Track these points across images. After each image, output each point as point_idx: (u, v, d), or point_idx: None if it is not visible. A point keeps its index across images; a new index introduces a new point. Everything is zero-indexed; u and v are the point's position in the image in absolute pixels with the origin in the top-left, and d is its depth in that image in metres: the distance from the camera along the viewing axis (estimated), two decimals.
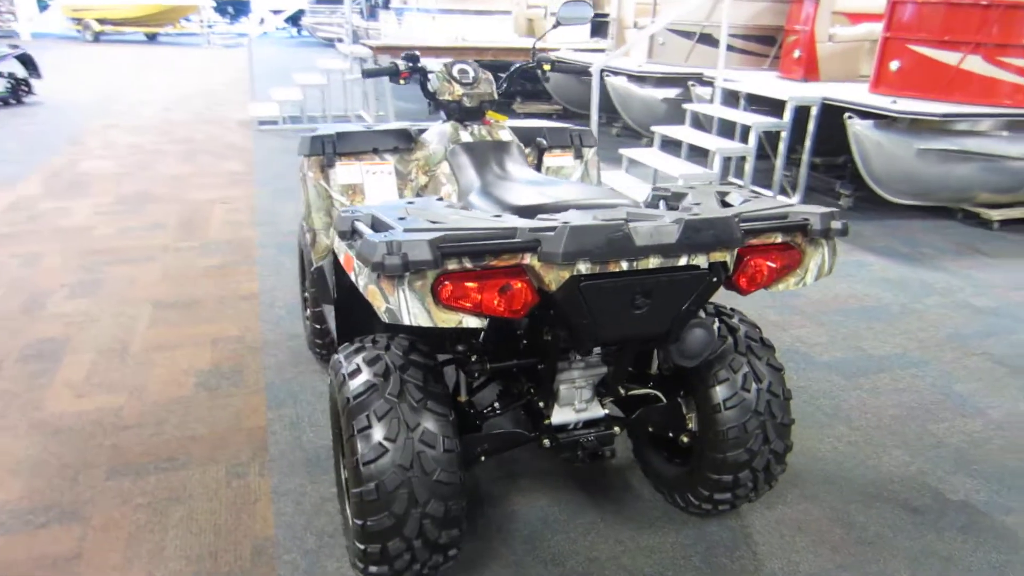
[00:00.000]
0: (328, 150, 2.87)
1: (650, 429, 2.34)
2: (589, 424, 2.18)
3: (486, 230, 1.60)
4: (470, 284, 1.59)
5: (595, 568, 2.21)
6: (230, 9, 31.36)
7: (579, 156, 3.10)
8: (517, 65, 3.04)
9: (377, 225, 1.72)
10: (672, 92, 7.74)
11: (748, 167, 6.08)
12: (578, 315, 1.68)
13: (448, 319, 1.58)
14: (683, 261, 1.70)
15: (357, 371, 1.90)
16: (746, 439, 2.14)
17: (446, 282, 1.57)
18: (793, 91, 6.03)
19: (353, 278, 1.70)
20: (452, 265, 1.56)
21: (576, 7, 2.90)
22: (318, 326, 3.14)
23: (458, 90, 2.77)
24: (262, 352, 3.48)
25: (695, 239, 1.68)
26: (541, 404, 2.14)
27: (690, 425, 2.28)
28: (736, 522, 2.42)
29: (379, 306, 1.57)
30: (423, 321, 1.55)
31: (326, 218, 2.89)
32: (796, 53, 6.85)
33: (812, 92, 6.00)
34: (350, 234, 1.80)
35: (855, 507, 2.52)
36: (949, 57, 5.54)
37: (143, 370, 3.29)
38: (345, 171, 2.90)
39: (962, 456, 2.84)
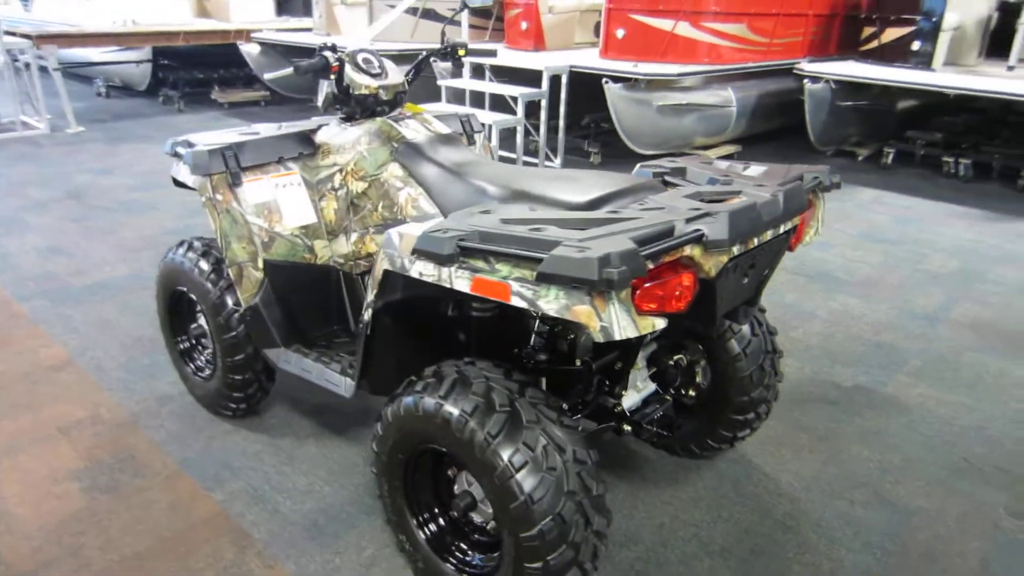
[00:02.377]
0: (232, 165, 2.41)
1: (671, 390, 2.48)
2: (647, 402, 2.25)
3: (651, 229, 1.56)
4: (652, 285, 1.54)
5: (667, 533, 2.32)
6: None
7: (471, 141, 3.03)
8: (425, 51, 2.83)
9: (493, 241, 1.58)
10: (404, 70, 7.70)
11: (519, 137, 6.39)
12: (720, 294, 1.73)
13: (646, 325, 1.52)
14: (783, 229, 1.84)
15: (478, 407, 1.71)
16: (763, 376, 2.41)
17: (637, 289, 1.51)
18: (545, 61, 6.45)
19: (521, 302, 1.53)
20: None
21: None
22: (237, 377, 2.64)
23: (372, 83, 2.52)
24: (140, 428, 2.81)
25: (791, 208, 1.83)
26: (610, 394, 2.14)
27: (698, 379, 2.47)
28: (735, 455, 2.70)
29: (593, 326, 1.45)
30: (631, 332, 1.47)
31: (250, 247, 2.44)
32: (523, 25, 7.29)
33: (559, 61, 6.49)
34: (455, 257, 1.63)
35: (799, 414, 2.97)
36: (664, 24, 6.42)
37: None
38: (255, 188, 2.48)
39: (826, 352, 3.49)
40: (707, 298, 1.72)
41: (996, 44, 7.46)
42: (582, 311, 1.45)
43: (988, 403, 3.09)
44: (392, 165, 2.44)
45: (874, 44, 7.20)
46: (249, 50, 8.89)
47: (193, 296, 2.68)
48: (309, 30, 9.03)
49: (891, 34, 7.00)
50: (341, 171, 2.52)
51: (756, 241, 1.74)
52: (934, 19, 6.67)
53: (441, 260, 1.66)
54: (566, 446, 1.71)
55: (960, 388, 3.20)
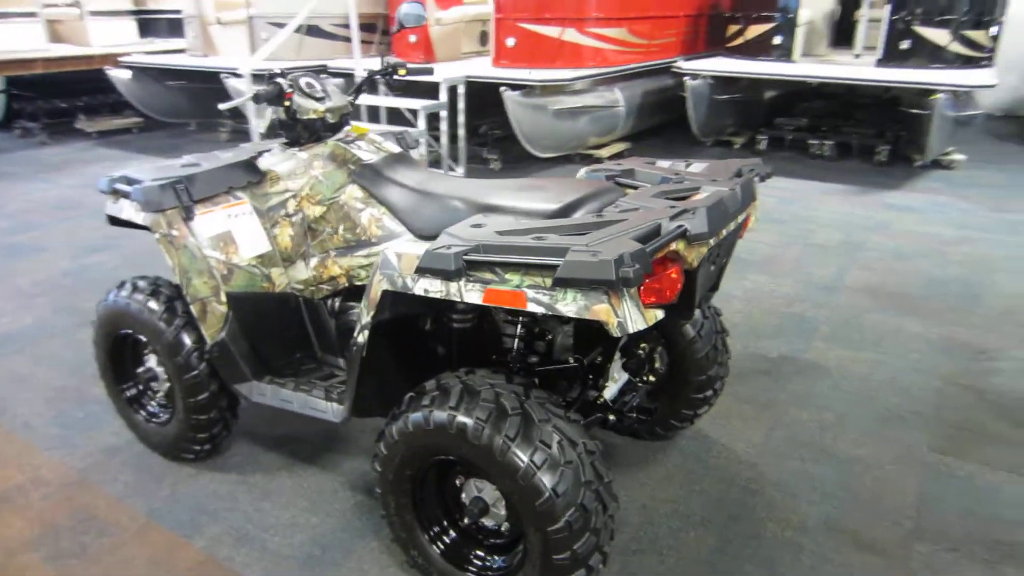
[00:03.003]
0: (185, 199, 2.36)
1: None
2: (622, 391, 2.38)
3: (644, 228, 1.69)
4: (651, 280, 1.67)
5: (651, 511, 2.47)
6: None
7: None
8: (367, 73, 2.84)
9: (499, 252, 1.67)
10: None
11: (423, 148, 6.42)
12: (698, 283, 1.89)
13: (650, 317, 1.64)
14: (740, 219, 2.03)
15: (491, 413, 1.78)
16: (716, 355, 2.61)
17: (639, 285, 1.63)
18: (443, 73, 6.52)
19: (538, 308, 1.63)
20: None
21: (413, 7, 2.83)
22: (201, 417, 2.55)
23: (319, 107, 2.53)
24: (91, 484, 2.66)
25: (746, 199, 2.02)
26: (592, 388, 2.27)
27: (657, 364, 2.65)
28: (692, 432, 2.90)
29: (611, 322, 1.56)
30: (641, 325, 1.60)
31: (211, 281, 2.38)
32: (412, 38, 7.32)
33: (454, 72, 6.58)
34: (462, 272, 1.71)
35: (739, 387, 3.22)
36: (552, 31, 6.65)
37: None
38: (208, 221, 2.43)
39: (750, 328, 3.79)
40: (688, 288, 1.88)
41: (839, 35, 8.26)
42: (601, 310, 1.56)
43: (893, 357, 3.47)
44: (350, 187, 2.46)
45: (739, 41, 7.77)
46: (119, 75, 8.38)
47: (143, 338, 2.57)
48: (183, 51, 8.64)
49: (754, 31, 7.58)
50: (295, 196, 2.51)
51: (724, 232, 1.91)
52: (790, 15, 7.29)
53: (448, 276, 1.72)
54: (577, 439, 1.81)
55: (868, 347, 3.57)
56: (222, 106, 2.70)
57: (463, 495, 2.03)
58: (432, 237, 2.22)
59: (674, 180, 2.23)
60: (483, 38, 8.30)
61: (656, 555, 2.29)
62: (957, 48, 6.68)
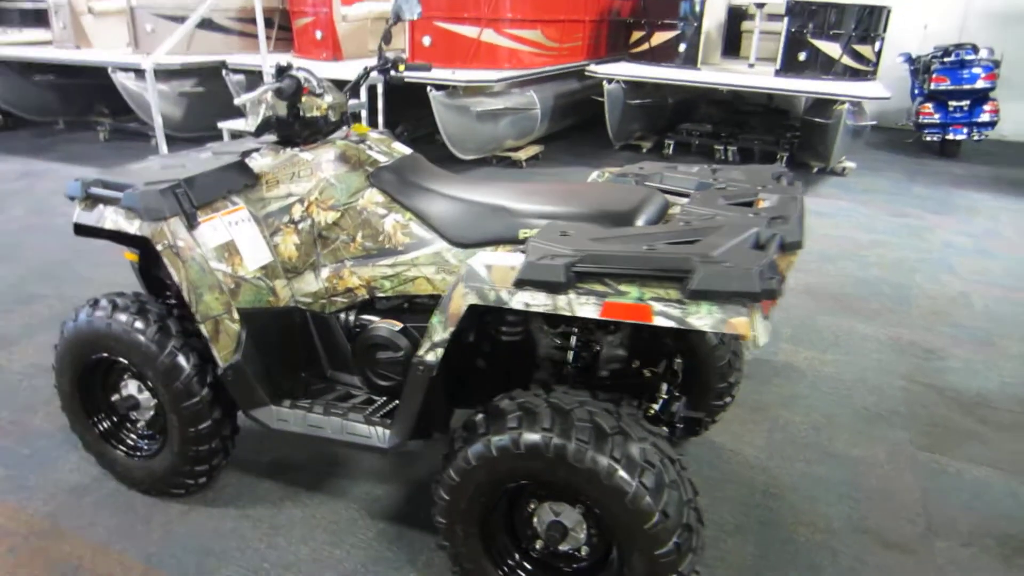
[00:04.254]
0: (187, 205, 2.05)
1: None
2: (666, 402, 2.29)
3: (750, 237, 1.62)
4: None
5: None
6: None
7: None
8: (365, 68, 2.57)
9: (612, 263, 1.57)
10: (187, 85, 6.93)
11: None
12: None
13: (769, 328, 1.56)
14: None
15: (591, 432, 1.67)
16: (734, 361, 2.59)
17: None
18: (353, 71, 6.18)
19: (667, 321, 1.52)
20: None
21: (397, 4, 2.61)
22: (202, 448, 2.23)
23: (323, 103, 2.30)
24: (66, 531, 2.25)
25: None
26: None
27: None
28: (699, 439, 2.86)
29: (748, 335, 1.47)
30: (766, 337, 1.52)
31: (223, 296, 2.09)
32: (318, 34, 6.91)
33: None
34: (572, 284, 1.59)
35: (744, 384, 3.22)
36: (470, 31, 6.49)
37: None
38: (211, 229, 2.13)
39: None
40: None
41: (727, 45, 8.68)
42: (740, 323, 1.46)
43: (856, 357, 3.60)
44: (369, 191, 2.25)
45: (645, 47, 7.95)
46: None
47: (126, 362, 2.23)
48: (49, 43, 7.69)
49: (659, 38, 7.78)
50: (301, 201, 2.26)
51: None
52: (694, 23, 7.54)
53: (556, 288, 1.60)
54: (674, 456, 1.72)
55: (829, 347, 3.69)
56: (238, 101, 2.37)
57: (534, 521, 1.88)
58: (473, 245, 2.06)
59: (716, 185, 2.18)
60: (388, 36, 7.99)
61: (704, 567, 2.22)
62: (847, 61, 7.16)
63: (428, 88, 6.00)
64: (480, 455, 1.76)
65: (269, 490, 2.48)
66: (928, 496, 2.61)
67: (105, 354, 2.26)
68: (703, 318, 1.50)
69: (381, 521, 2.36)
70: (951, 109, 8.54)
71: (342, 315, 2.32)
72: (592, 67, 7.43)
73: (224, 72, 6.81)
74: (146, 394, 2.33)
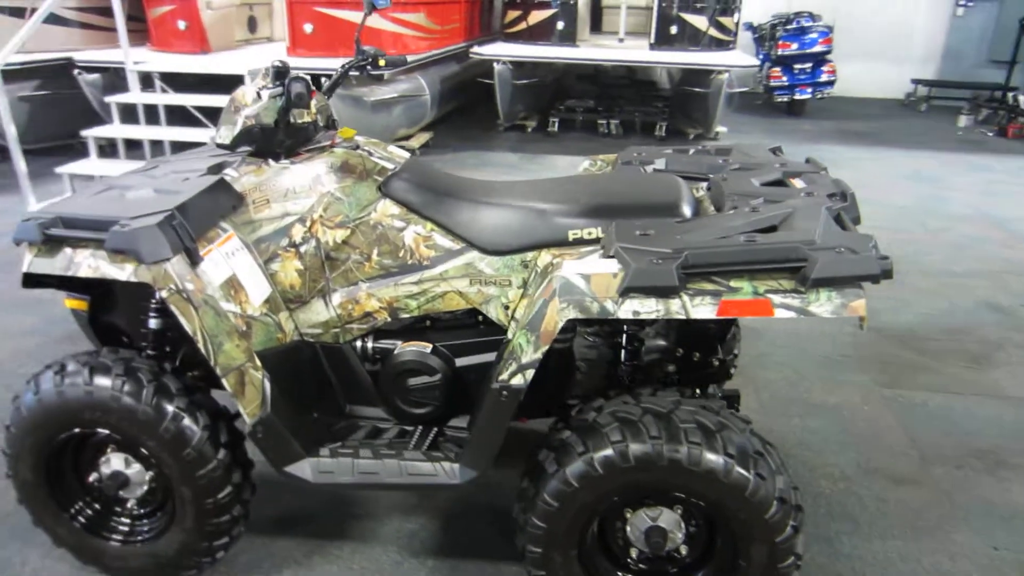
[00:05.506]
0: (187, 239, 1.79)
1: None
2: None
3: (825, 218, 1.70)
4: None
5: None
6: None
7: None
8: (345, 64, 2.35)
9: (723, 260, 1.58)
10: (27, 88, 6.09)
11: None
12: None
13: None
14: None
15: (700, 434, 1.66)
16: (736, 333, 2.69)
17: None
18: (232, 63, 5.73)
19: (788, 313, 1.55)
20: None
21: None
22: (223, 519, 1.96)
23: (312, 108, 2.09)
24: None
25: None
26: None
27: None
28: None
29: (865, 317, 1.54)
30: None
31: (242, 342, 1.85)
32: (181, 24, 6.31)
33: (239, 61, 5.81)
34: (684, 285, 1.57)
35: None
36: (354, 16, 6.18)
37: None
38: (212, 264, 1.88)
39: None
40: None
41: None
42: (859, 306, 1.52)
43: None
44: (382, 203, 2.06)
45: (522, 26, 7.97)
46: None
47: (108, 434, 1.92)
48: None
49: (536, 16, 7.83)
50: (302, 221, 2.03)
51: None
52: (570, 1, 7.66)
53: (668, 292, 1.56)
54: (764, 440, 1.76)
55: None
56: (250, 111, 2.07)
57: (630, 530, 1.85)
58: (511, 252, 1.97)
59: (738, 166, 2.23)
60: (252, 24, 7.47)
61: None
62: (713, 32, 7.58)
63: (323, 80, 5.67)
64: (582, 474, 1.69)
65: (290, 548, 2.26)
66: (909, 430, 2.87)
67: (79, 429, 1.92)
68: (823, 305, 1.54)
69: (428, 558, 2.22)
70: (796, 72, 9.32)
71: (358, 343, 2.13)
72: (476, 49, 7.35)
73: (76, 72, 6.06)
74: (137, 467, 2.00)
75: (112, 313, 2.27)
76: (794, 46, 9.17)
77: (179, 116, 5.87)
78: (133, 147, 5.87)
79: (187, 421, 1.85)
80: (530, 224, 1.98)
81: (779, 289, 1.55)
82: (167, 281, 1.74)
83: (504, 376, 1.74)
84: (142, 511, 2.09)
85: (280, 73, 2.04)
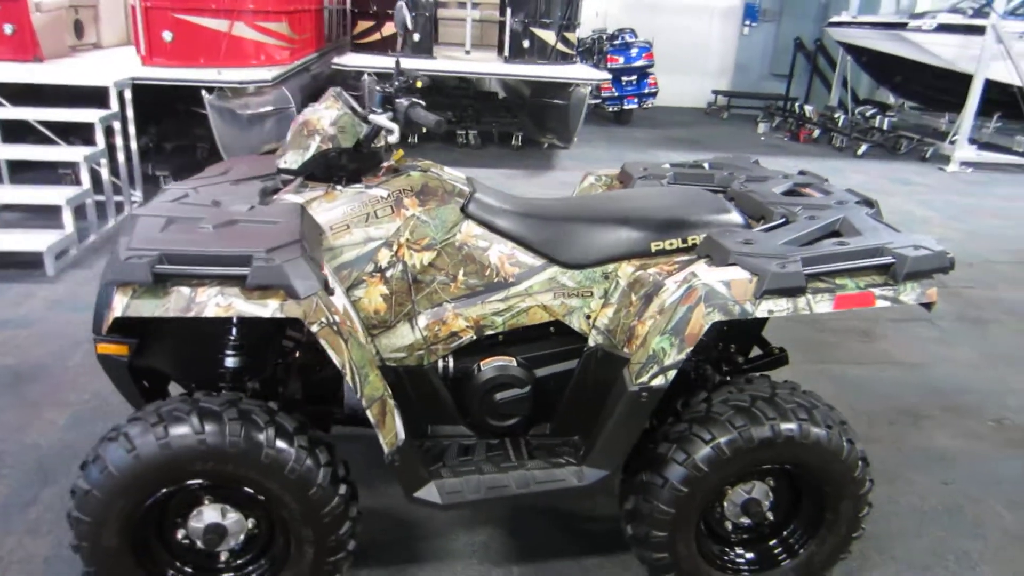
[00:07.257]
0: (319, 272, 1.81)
1: None
2: None
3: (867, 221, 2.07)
4: None
5: None
6: None
7: None
8: (380, 89, 2.25)
9: (832, 261, 1.88)
10: None
11: (105, 172, 4.99)
12: None
13: None
14: None
15: (799, 413, 1.97)
16: None
17: None
18: (113, 75, 5.13)
19: (884, 303, 1.89)
20: None
21: (400, 11, 2.39)
22: (339, 556, 1.91)
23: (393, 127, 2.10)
24: None
25: None
26: None
27: None
28: None
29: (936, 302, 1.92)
30: None
31: (377, 371, 1.85)
32: (8, 29, 5.48)
33: (119, 74, 5.24)
34: (803, 288, 1.84)
35: None
36: (219, 24, 5.79)
37: None
38: (338, 295, 1.85)
39: None
40: None
41: None
42: (933, 292, 1.90)
43: None
44: (466, 223, 2.12)
45: (375, 37, 7.90)
46: None
47: (228, 483, 1.83)
48: None
49: (391, 28, 7.80)
50: (388, 245, 2.03)
51: None
52: (426, 13, 7.73)
53: (795, 292, 1.82)
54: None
55: None
56: (378, 119, 1.99)
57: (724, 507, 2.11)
58: (592, 264, 2.12)
59: (744, 178, 2.53)
60: (79, 28, 6.67)
61: None
62: (560, 47, 8.07)
63: (203, 92, 5.28)
64: (711, 459, 1.91)
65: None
66: (847, 397, 3.41)
67: (174, 487, 1.79)
68: (909, 294, 1.89)
69: (514, 565, 2.30)
70: (624, 83, 10.18)
71: (439, 364, 2.16)
72: (339, 59, 7.18)
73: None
74: (234, 515, 1.89)
75: (153, 357, 2.07)
76: (621, 60, 10.01)
77: (11, 132, 5.14)
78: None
79: (310, 461, 1.80)
80: (615, 238, 2.14)
81: (875, 283, 1.88)
82: (319, 315, 1.68)
83: (644, 378, 1.88)
84: (235, 563, 1.97)
85: (408, 88, 2.08)
